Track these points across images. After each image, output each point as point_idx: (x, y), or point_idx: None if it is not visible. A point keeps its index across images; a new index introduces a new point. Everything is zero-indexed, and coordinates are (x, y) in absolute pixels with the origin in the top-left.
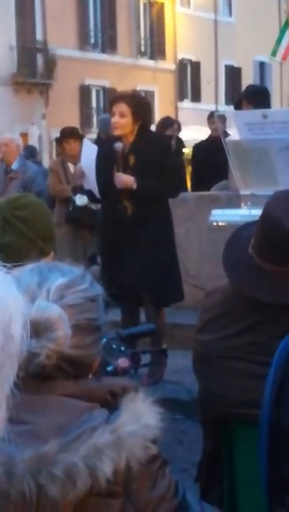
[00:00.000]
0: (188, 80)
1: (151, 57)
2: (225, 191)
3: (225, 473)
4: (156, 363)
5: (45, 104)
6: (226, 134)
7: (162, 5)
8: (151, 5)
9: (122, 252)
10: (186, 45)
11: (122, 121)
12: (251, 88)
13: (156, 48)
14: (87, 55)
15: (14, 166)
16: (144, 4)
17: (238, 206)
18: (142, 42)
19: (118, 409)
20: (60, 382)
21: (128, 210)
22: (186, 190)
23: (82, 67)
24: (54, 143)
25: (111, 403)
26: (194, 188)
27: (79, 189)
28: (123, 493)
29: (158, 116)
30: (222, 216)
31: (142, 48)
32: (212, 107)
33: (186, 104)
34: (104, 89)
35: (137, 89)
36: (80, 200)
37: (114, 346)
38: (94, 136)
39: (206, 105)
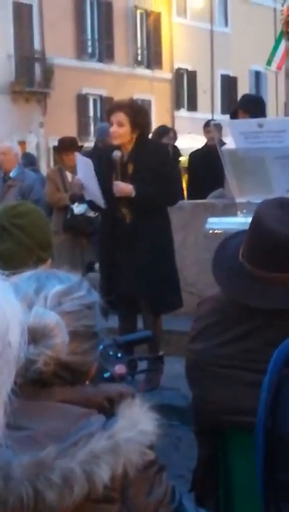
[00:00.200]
0: (184, 89)
1: (148, 67)
2: (221, 199)
3: (220, 481)
4: (153, 369)
5: (43, 112)
6: (222, 143)
7: (159, 15)
8: (148, 15)
9: (120, 260)
10: (182, 54)
11: (121, 130)
12: (247, 97)
13: (152, 58)
14: (85, 64)
15: (12, 174)
16: (141, 14)
17: (234, 214)
18: (139, 51)
19: (115, 416)
20: (57, 389)
21: (127, 218)
22: (182, 198)
23: (80, 76)
24: (52, 151)
25: (108, 409)
26: (190, 196)
27: (77, 198)
28: (120, 498)
29: (155, 125)
30: (218, 224)
31: (139, 58)
32: (208, 116)
33: (183, 113)
34: (101, 98)
35: (134, 98)
36: (78, 208)
37: (111, 353)
38: (91, 144)
39: (202, 114)
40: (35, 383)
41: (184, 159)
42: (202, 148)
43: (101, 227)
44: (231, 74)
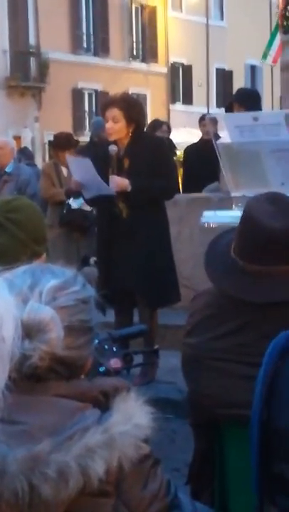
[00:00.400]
0: (180, 83)
1: (144, 61)
2: (216, 193)
3: (216, 473)
4: (148, 363)
5: (38, 107)
6: (217, 137)
7: (154, 9)
8: (144, 9)
9: (117, 254)
10: (178, 48)
11: (116, 126)
12: (242, 91)
13: (148, 52)
14: (80, 58)
15: (8, 168)
16: (137, 8)
17: (229, 208)
18: (134, 45)
19: (110, 409)
20: (52, 383)
21: (123, 212)
22: (178, 192)
23: (75, 70)
24: (47, 146)
25: (103, 403)
26: (186, 190)
27: (72, 193)
28: (115, 492)
29: (150, 118)
30: (213, 217)
31: (134, 52)
32: (204, 110)
33: (178, 106)
34: (96, 92)
35: (129, 92)
36: (76, 202)
37: (106, 347)
38: (87, 139)
39: (198, 108)
40: (30, 378)
41: (179, 153)
42: (197, 142)
43: (98, 221)
44: (227, 68)
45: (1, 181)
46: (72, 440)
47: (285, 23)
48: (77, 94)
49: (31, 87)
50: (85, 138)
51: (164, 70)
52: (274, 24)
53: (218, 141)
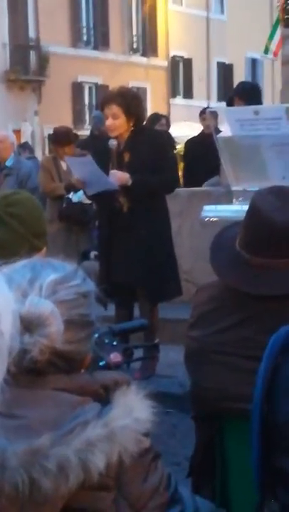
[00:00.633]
0: (180, 76)
1: (144, 54)
2: (217, 187)
3: (217, 467)
4: (149, 357)
5: (38, 101)
6: (218, 131)
7: (154, 2)
8: (144, 2)
9: (118, 249)
10: (178, 42)
11: (116, 122)
12: (243, 85)
13: (148, 45)
14: (80, 52)
15: (8, 162)
16: (137, 1)
17: (229, 202)
18: (135, 39)
19: (110, 403)
20: (52, 377)
21: (124, 206)
22: (179, 186)
23: (75, 64)
24: (47, 139)
25: (103, 397)
26: (186, 184)
27: (72, 187)
28: (115, 486)
29: (150, 112)
30: (214, 212)
31: (135, 45)
32: (204, 104)
33: (179, 100)
34: (96, 86)
35: (130, 85)
36: (77, 196)
37: (106, 341)
38: (87, 132)
39: (198, 102)
40: (30, 372)
41: (179, 147)
42: (198, 135)
43: (98, 216)
44: (227, 61)
45: (2, 175)
46: (72, 434)
47: (286, 17)
48: (77, 88)
49: (31, 81)
50: (85, 132)
51: (165, 63)
52: (274, 17)
53: (218, 135)
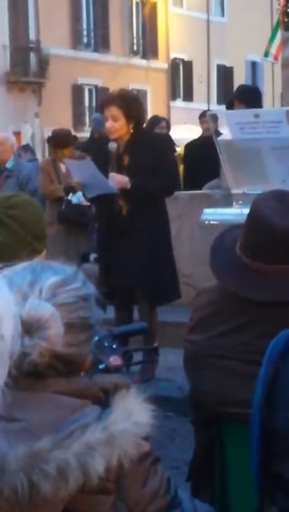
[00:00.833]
0: (180, 79)
1: (144, 57)
2: (217, 190)
3: (216, 472)
4: (148, 360)
5: (38, 102)
6: (218, 133)
7: (155, 4)
8: (144, 4)
9: (117, 252)
10: (178, 44)
11: (116, 125)
12: (243, 88)
13: (148, 48)
14: (80, 54)
15: (8, 164)
16: (137, 4)
17: (229, 205)
18: (135, 41)
19: (110, 407)
20: (52, 380)
21: (123, 209)
22: (179, 188)
23: (75, 66)
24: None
25: (103, 400)
26: (186, 187)
27: (71, 189)
28: (115, 490)
29: (150, 115)
30: (214, 215)
31: (135, 47)
32: (204, 106)
33: (179, 103)
34: (96, 88)
35: (130, 88)
36: (76, 197)
37: (106, 344)
38: (87, 135)
39: (198, 104)
40: (29, 375)
41: (179, 149)
42: (198, 138)
43: (98, 218)
44: (227, 64)
45: (2, 177)
46: (72, 437)
47: (286, 20)
48: (77, 90)
49: (31, 83)
50: (85, 134)
51: (165, 66)
52: (275, 20)
53: (218, 138)
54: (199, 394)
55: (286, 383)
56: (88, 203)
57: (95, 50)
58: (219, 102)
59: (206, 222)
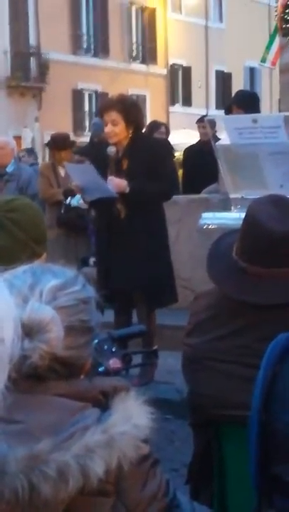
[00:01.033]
0: (179, 84)
1: (143, 62)
2: (215, 194)
3: (215, 474)
4: (147, 363)
5: (38, 107)
6: (217, 138)
7: (154, 10)
8: (143, 10)
9: (116, 255)
10: (177, 50)
11: (116, 129)
12: (241, 93)
13: (147, 53)
14: (80, 59)
15: (9, 168)
16: (136, 9)
17: (228, 209)
18: (134, 47)
19: (109, 409)
20: (52, 383)
21: (121, 213)
22: (178, 193)
23: (75, 71)
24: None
25: (103, 403)
26: (185, 191)
27: (70, 192)
28: (114, 492)
29: (149, 120)
30: (212, 219)
31: (134, 53)
32: (203, 112)
33: (177, 108)
34: (96, 93)
35: (129, 93)
36: (75, 200)
37: (105, 347)
38: (86, 139)
39: (197, 109)
40: (30, 378)
41: (178, 154)
42: (197, 143)
43: (97, 222)
44: (226, 70)
45: (2, 181)
46: (71, 440)
47: (284, 26)
48: (77, 95)
49: (31, 88)
50: (85, 138)
51: (164, 71)
52: (273, 26)
53: (217, 143)
54: (197, 397)
55: (284, 386)
56: (86, 207)
57: (95, 55)
58: (218, 107)
59: (205, 226)
